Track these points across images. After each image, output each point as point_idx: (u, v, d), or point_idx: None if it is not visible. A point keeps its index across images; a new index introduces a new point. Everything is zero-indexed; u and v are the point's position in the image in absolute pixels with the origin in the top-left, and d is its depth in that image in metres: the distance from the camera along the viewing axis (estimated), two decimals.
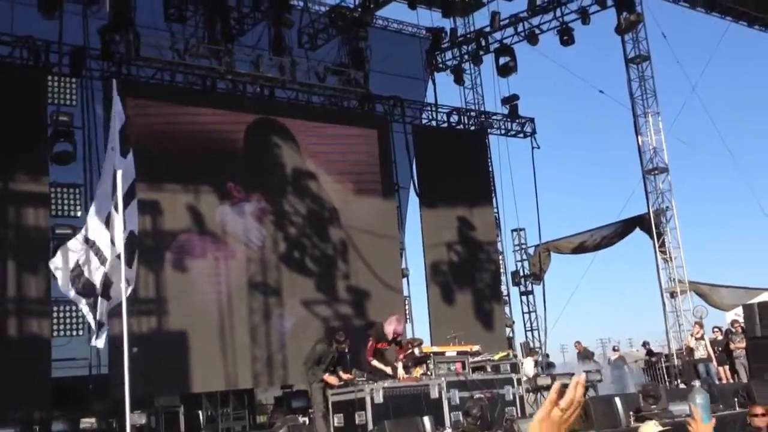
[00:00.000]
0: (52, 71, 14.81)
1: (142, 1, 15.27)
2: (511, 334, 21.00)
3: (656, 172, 20.53)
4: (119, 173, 7.54)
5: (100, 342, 8.01)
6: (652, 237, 20.25)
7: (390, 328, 11.02)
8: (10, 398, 12.36)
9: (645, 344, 21.42)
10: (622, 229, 21.31)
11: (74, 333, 14.26)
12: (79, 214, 14.26)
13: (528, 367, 14.97)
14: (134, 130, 14.36)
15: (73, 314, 14.13)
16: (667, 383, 17.87)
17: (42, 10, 14.45)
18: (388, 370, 10.75)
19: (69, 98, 14.98)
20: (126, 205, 7.53)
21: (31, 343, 13.32)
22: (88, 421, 12.78)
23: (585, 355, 19.17)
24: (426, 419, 8.95)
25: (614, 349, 21.71)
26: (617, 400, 10.51)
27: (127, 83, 14.72)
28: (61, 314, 14.09)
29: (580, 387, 1.98)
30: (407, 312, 18.57)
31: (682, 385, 16.29)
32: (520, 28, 19.83)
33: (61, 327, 14.07)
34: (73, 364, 14.57)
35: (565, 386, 1.96)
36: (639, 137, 20.70)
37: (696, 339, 16.91)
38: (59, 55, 14.88)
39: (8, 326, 12.98)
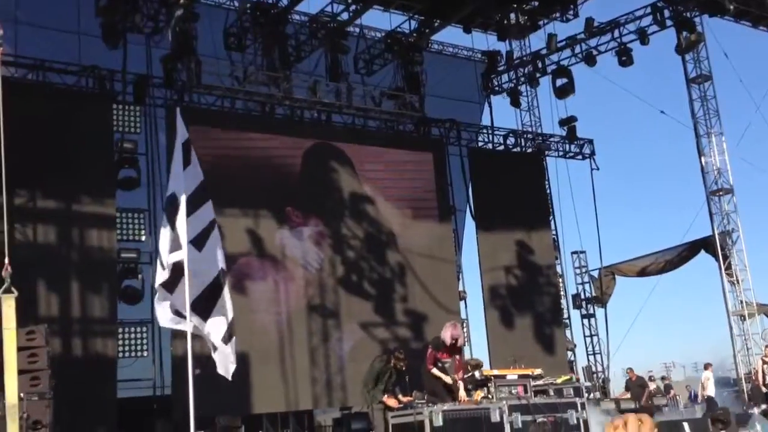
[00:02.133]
0: (116, 99, 15.27)
1: (203, 31, 15.67)
2: (572, 358, 20.66)
3: (721, 193, 20.06)
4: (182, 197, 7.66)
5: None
6: (717, 259, 19.75)
7: (447, 333, 10.92)
8: (77, 419, 12.58)
9: (662, 378, 19.86)
10: (687, 252, 20.85)
11: (139, 354, 14.54)
12: (143, 238, 14.60)
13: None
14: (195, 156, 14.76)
15: (138, 336, 14.43)
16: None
17: (107, 40, 14.96)
18: (448, 379, 10.62)
19: (133, 126, 15.39)
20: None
21: (96, 364, 13.61)
22: None
23: (638, 383, 18.38)
24: None
25: (650, 379, 20.05)
26: (686, 425, 10.23)
27: (188, 111, 15.02)
28: (126, 335, 14.39)
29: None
30: (466, 335, 18.42)
31: (752, 410, 15.75)
32: (577, 49, 19.69)
33: (126, 348, 14.36)
34: (137, 384, 14.84)
35: None
36: (702, 158, 20.27)
37: (766, 363, 16.37)
38: (123, 84, 15.34)
39: (74, 347, 13.28)
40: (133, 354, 14.67)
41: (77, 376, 12.59)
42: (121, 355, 14.30)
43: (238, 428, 14.28)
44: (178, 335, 14.25)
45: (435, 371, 10.83)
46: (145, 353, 14.93)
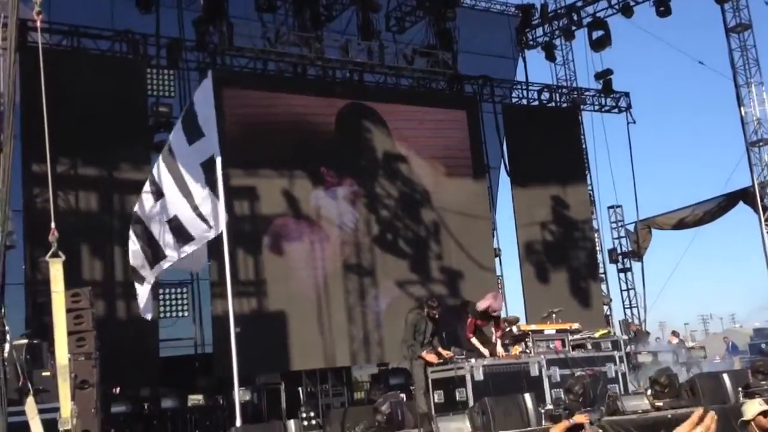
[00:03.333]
0: (150, 64, 15.35)
1: None
2: (608, 312, 20.62)
3: (761, 143, 19.70)
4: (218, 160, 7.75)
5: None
6: (756, 210, 19.46)
7: (485, 303, 10.97)
8: (121, 377, 12.95)
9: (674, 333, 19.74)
10: (725, 202, 20.56)
11: (180, 314, 14.85)
12: None
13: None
14: (230, 119, 14.84)
15: (179, 296, 14.72)
16: None
17: (139, 5, 15.00)
18: (486, 351, 10.70)
19: (167, 89, 15.50)
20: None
21: (139, 324, 13.85)
22: (195, 398, 13.29)
23: (639, 338, 18.32)
24: (527, 396, 8.91)
25: (673, 333, 19.64)
26: (725, 376, 10.20)
27: (221, 73, 15.10)
28: (168, 296, 14.73)
29: (715, 419, 2.33)
30: (501, 291, 18.47)
31: None
32: (613, 0, 19.30)
33: (168, 308, 14.68)
34: (179, 343, 15.19)
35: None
36: (742, 108, 19.88)
37: None
38: (157, 48, 15.40)
39: (118, 309, 13.56)
40: (173, 314, 15.00)
41: (121, 337, 12.89)
42: (162, 315, 14.61)
43: (278, 384, 14.54)
44: (218, 296, 14.54)
45: (474, 341, 10.90)
46: (186, 313, 15.23)
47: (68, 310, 6.96)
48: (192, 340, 15.19)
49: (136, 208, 8.05)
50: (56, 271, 5.72)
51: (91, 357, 9.18)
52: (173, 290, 14.74)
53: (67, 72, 13.45)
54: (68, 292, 7.08)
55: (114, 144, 14.11)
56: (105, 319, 12.53)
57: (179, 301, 14.86)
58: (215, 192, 7.90)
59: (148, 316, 8.79)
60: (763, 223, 19.30)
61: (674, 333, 19.32)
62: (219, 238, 8.50)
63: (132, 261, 8.67)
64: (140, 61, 15.19)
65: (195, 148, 7.62)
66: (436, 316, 10.56)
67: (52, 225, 5.94)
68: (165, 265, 8.09)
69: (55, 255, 5.81)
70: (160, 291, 14.46)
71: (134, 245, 7.92)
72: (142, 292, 8.59)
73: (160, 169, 7.89)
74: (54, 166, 11.26)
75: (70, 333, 6.97)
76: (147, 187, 7.94)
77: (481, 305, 11.03)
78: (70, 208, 13.44)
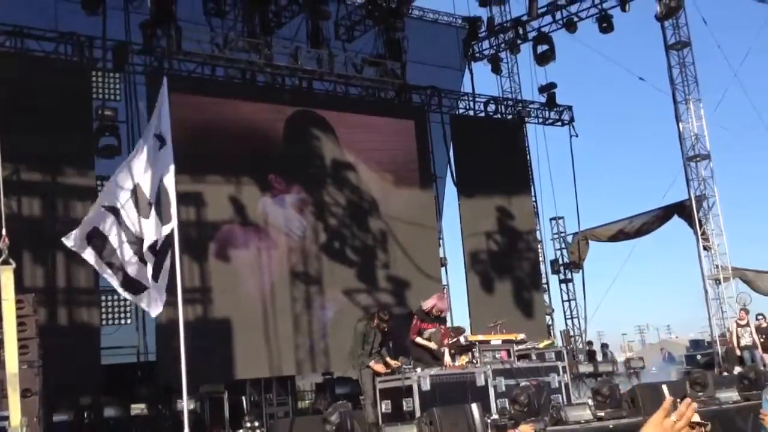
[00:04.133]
0: (96, 67, 15.08)
1: None
2: (550, 322, 21.00)
3: (698, 159, 20.33)
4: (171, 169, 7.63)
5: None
6: (692, 224, 20.07)
7: (430, 302, 11.08)
8: (62, 385, 12.61)
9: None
10: (661, 216, 21.16)
11: (122, 321, 14.61)
12: None
13: None
14: (176, 124, 14.61)
15: (121, 303, 14.47)
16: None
17: (85, 6, 14.74)
18: (433, 345, 10.78)
19: (113, 93, 15.25)
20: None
21: (81, 332, 13.65)
22: (138, 407, 13.07)
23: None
24: (474, 406, 9.02)
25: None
26: (664, 387, 10.50)
27: (169, 78, 14.84)
28: (109, 303, 14.47)
29: (693, 406, 2.27)
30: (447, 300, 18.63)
31: (725, 373, 16.17)
32: (558, 15, 19.71)
33: (110, 316, 14.43)
34: (121, 351, 14.92)
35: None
36: (680, 124, 20.50)
37: (740, 326, 16.76)
38: (103, 51, 15.14)
39: (59, 315, 13.30)
40: (116, 321, 14.73)
41: (63, 344, 12.61)
42: (104, 322, 14.37)
43: (221, 394, 14.40)
44: (166, 304, 14.33)
45: (419, 340, 10.99)
46: (128, 320, 14.98)
47: None
48: (135, 348, 14.93)
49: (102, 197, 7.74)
50: (7, 279, 5.59)
51: (34, 365, 8.95)
52: (115, 297, 14.46)
53: (10, 73, 13.14)
54: None
55: (58, 148, 13.83)
56: (46, 326, 12.24)
57: (122, 309, 14.60)
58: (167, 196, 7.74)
59: (154, 312, 8.22)
60: (699, 236, 19.90)
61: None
62: (167, 242, 8.33)
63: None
64: (85, 64, 14.92)
65: (160, 154, 7.55)
66: (386, 330, 10.64)
67: (3, 232, 5.82)
68: (112, 280, 7.78)
69: (5, 262, 5.69)
70: (102, 298, 14.22)
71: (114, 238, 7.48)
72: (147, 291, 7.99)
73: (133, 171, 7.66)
74: None
75: None
76: (120, 181, 7.65)
77: (427, 305, 11.14)
78: (12, 213, 13.06)
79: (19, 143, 12.85)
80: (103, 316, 14.30)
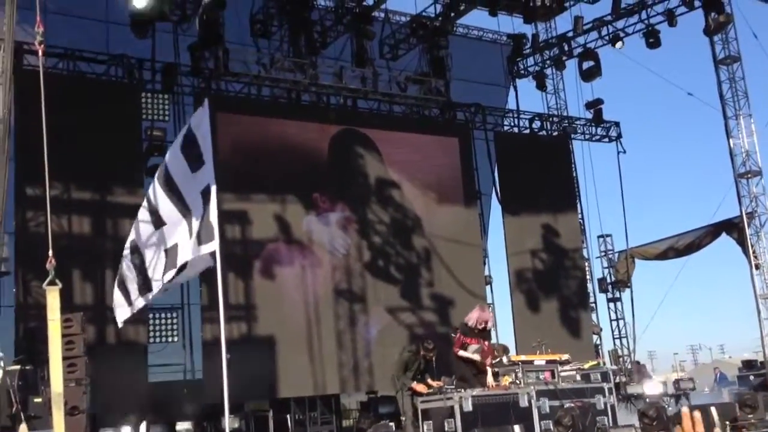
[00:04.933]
0: (145, 88, 15.42)
1: (230, 18, 15.75)
2: (598, 342, 20.66)
3: (749, 175, 19.86)
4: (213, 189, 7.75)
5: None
6: (741, 242, 19.60)
7: (474, 315, 10.99)
8: (110, 402, 12.84)
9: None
10: (708, 235, 20.71)
11: (170, 339, 14.80)
12: None
13: None
14: (223, 143, 14.87)
15: (168, 321, 14.68)
16: None
17: (135, 29, 15.05)
18: (476, 356, 10.69)
19: (162, 113, 15.54)
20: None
21: (128, 349, 13.86)
22: (183, 425, 13.20)
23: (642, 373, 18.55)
24: (516, 428, 8.93)
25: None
26: (713, 409, 10.24)
27: (216, 98, 15.16)
28: (157, 321, 14.66)
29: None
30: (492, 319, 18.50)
31: None
32: (604, 31, 19.53)
33: (157, 334, 14.62)
34: (168, 369, 15.10)
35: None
36: (730, 140, 20.08)
37: None
38: (152, 72, 15.48)
39: (108, 334, 13.50)
40: (163, 339, 14.93)
41: (111, 362, 12.83)
42: (152, 340, 14.56)
43: (266, 412, 14.48)
44: (208, 321, 14.52)
45: (462, 353, 10.90)
46: (176, 338, 15.18)
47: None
48: (181, 366, 15.12)
49: (132, 237, 8.00)
50: (53, 299, 5.73)
51: (82, 383, 9.15)
52: (163, 315, 14.69)
53: (62, 95, 13.47)
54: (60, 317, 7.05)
55: (108, 167, 14.14)
56: (95, 344, 12.48)
57: (169, 326, 14.80)
58: (209, 216, 7.85)
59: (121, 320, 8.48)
60: (751, 254, 19.43)
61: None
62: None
63: (119, 289, 8.47)
64: (135, 85, 15.26)
65: (196, 176, 7.62)
66: (432, 358, 10.64)
67: (50, 252, 5.96)
68: (151, 296, 8.03)
69: (52, 283, 5.82)
70: (150, 316, 14.43)
71: (130, 273, 7.85)
72: (122, 308, 8.33)
73: (157, 196, 7.86)
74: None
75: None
76: (143, 214, 7.89)
77: (470, 318, 11.05)
78: (62, 232, 13.41)
79: (69, 162, 13.25)
80: (151, 333, 14.50)
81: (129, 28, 14.98)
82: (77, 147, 13.43)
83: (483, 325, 11.12)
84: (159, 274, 7.82)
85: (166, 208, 7.69)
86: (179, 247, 7.51)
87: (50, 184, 7.49)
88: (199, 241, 7.73)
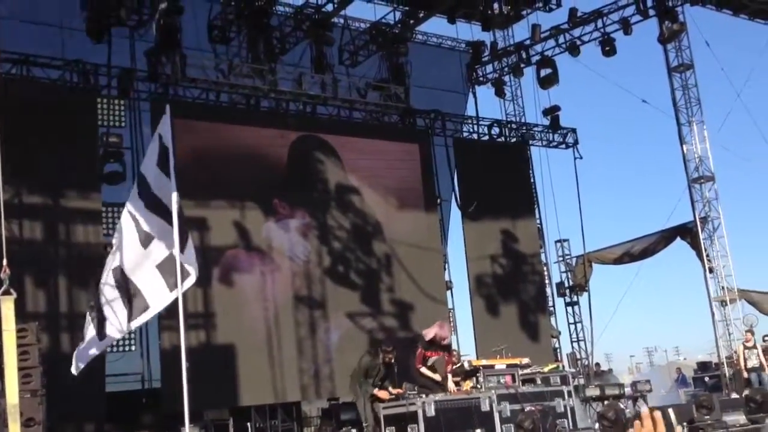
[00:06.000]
0: (101, 94, 15.20)
1: (187, 24, 15.56)
2: (557, 345, 20.89)
3: (702, 180, 20.30)
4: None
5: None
6: (695, 246, 20.01)
7: (431, 332, 11.06)
8: (65, 413, 12.59)
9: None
10: (663, 239, 21.12)
11: (127, 348, 14.57)
12: None
13: None
14: (181, 150, 14.69)
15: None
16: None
17: (90, 34, 14.83)
18: (437, 377, 10.77)
19: (118, 119, 15.36)
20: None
21: None
22: None
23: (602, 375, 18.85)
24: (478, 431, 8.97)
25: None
26: (670, 411, 10.39)
27: (173, 104, 14.93)
28: None
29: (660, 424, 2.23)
30: (452, 324, 18.58)
31: (733, 395, 16.04)
32: (561, 39, 19.80)
33: (114, 343, 14.34)
34: (126, 378, 14.87)
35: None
36: (684, 146, 20.50)
37: (747, 348, 16.65)
38: (108, 78, 15.25)
39: (62, 342, 13.24)
40: (120, 348, 14.70)
41: (67, 372, 12.54)
42: (109, 349, 14.28)
43: (227, 420, 14.33)
44: (166, 329, 14.33)
45: (424, 370, 10.97)
46: (133, 347, 14.95)
47: None
48: (139, 375, 14.89)
49: (115, 263, 7.84)
50: (8, 309, 5.61)
51: (37, 394, 8.93)
52: None
53: (15, 99, 13.23)
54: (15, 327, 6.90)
55: (63, 173, 13.89)
56: (49, 353, 12.22)
57: (126, 335, 14.56)
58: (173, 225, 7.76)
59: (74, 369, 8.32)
60: (704, 258, 19.83)
61: None
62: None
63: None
64: (91, 91, 15.03)
65: (164, 184, 7.58)
66: (392, 361, 10.65)
67: (4, 262, 5.84)
68: (109, 341, 7.95)
69: (6, 292, 5.70)
70: None
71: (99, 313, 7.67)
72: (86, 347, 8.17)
73: (122, 221, 7.75)
74: None
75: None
76: (113, 243, 7.78)
77: (428, 334, 11.13)
78: (14, 238, 13.12)
79: (22, 168, 12.98)
80: None
81: (84, 33, 14.79)
82: (30, 151, 13.17)
83: (442, 341, 11.22)
84: (118, 323, 7.73)
85: (155, 223, 7.61)
86: (140, 285, 7.47)
87: (3, 188, 7.33)
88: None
